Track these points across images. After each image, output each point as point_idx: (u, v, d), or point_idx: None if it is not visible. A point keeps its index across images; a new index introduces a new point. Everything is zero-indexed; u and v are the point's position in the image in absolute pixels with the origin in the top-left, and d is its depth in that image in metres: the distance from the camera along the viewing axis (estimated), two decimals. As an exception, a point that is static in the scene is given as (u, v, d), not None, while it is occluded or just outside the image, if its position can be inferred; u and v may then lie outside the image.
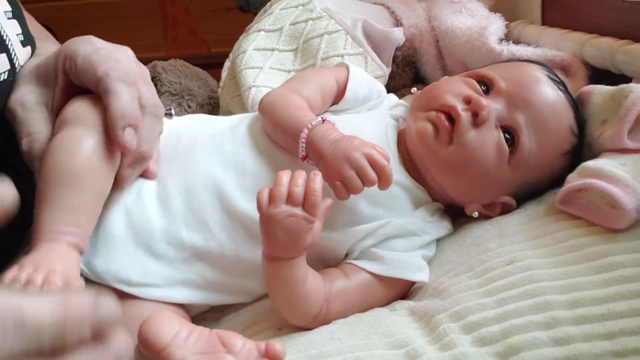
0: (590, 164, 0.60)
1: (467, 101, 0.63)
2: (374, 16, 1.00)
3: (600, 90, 0.67)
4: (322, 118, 0.61)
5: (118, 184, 0.59)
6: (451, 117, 0.63)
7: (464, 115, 0.63)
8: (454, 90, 0.65)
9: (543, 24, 0.94)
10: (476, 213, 0.66)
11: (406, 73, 1.03)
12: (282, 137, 0.64)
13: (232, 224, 0.62)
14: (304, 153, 0.61)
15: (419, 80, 1.03)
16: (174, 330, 0.38)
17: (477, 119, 0.62)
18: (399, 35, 0.98)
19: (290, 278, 0.56)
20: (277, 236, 0.54)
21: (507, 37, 0.91)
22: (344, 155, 0.57)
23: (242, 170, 0.64)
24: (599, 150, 0.66)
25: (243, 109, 0.92)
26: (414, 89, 0.76)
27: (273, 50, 0.98)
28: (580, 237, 0.56)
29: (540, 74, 0.67)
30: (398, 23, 1.02)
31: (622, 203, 0.54)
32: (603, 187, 0.55)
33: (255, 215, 0.56)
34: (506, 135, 0.64)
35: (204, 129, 0.70)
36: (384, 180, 0.58)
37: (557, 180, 0.64)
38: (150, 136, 0.59)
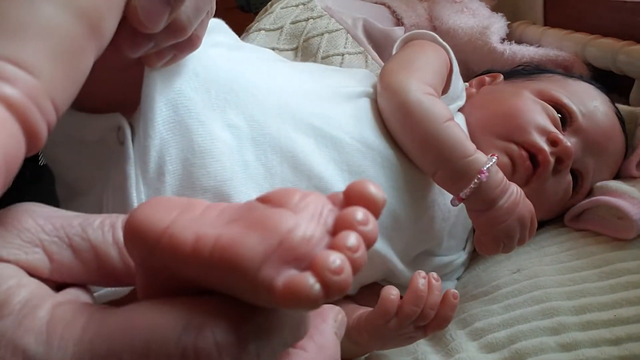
0: (597, 184, 0.61)
1: (554, 143, 0.57)
2: (375, 15, 1.00)
3: None
4: (497, 156, 0.52)
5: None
6: (533, 157, 0.58)
7: (551, 162, 0.57)
8: (537, 123, 0.58)
9: (545, 25, 0.94)
10: None
11: (407, 72, 1.03)
12: (427, 158, 0.52)
13: None
14: (467, 196, 0.51)
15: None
16: (176, 209, 0.21)
17: (559, 165, 0.58)
18: (399, 34, 0.97)
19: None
20: (385, 345, 0.51)
21: (509, 38, 0.91)
22: (519, 215, 0.51)
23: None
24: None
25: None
26: (465, 84, 0.68)
27: (273, 49, 0.98)
28: (587, 245, 0.57)
29: (613, 111, 0.64)
30: (399, 22, 1.01)
31: (629, 213, 0.55)
32: (608, 201, 0.57)
33: None
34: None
35: (306, 85, 0.53)
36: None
37: None
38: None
